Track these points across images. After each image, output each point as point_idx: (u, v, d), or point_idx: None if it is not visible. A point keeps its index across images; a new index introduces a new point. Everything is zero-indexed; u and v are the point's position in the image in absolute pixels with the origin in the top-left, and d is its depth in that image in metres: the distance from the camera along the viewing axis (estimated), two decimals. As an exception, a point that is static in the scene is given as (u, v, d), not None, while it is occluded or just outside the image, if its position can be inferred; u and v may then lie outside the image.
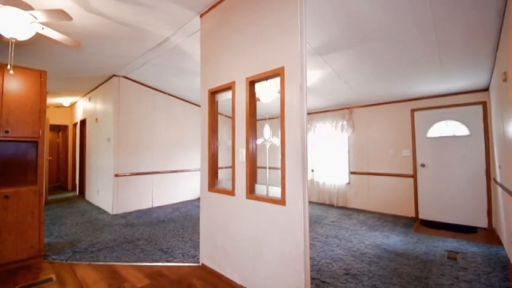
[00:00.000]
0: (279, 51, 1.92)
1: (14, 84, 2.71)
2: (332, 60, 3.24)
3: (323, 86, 4.12)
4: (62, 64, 3.89)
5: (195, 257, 2.79)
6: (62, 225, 4.07)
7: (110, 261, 2.74)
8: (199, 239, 3.20)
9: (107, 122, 5.12)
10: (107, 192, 4.98)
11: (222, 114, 2.73)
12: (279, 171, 1.89)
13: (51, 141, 8.69)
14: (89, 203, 5.74)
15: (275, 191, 1.96)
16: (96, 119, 5.64)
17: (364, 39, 2.67)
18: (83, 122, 6.58)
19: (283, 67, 1.88)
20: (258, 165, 2.28)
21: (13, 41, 2.07)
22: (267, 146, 2.05)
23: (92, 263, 2.72)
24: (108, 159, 4.97)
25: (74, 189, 7.32)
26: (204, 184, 2.65)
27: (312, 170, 5.80)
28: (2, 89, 2.63)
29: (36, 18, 1.95)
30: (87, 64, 4.03)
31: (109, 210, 4.83)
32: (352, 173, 5.26)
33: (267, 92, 2.16)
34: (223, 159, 2.61)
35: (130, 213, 4.80)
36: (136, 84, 5.13)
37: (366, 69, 3.40)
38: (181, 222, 4.19)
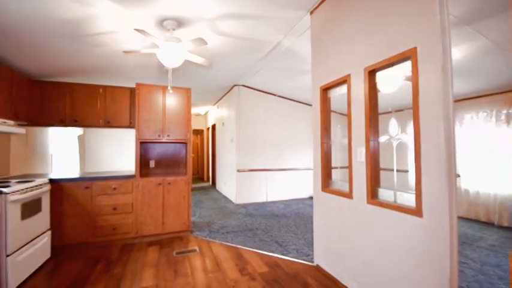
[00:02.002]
0: (407, 30, 1.60)
1: (171, 101, 3.62)
2: (487, 29, 2.40)
3: (473, 64, 3.14)
4: (199, 81, 4.87)
5: (309, 256, 2.79)
6: (201, 208, 5.12)
7: (236, 244, 3.18)
8: (312, 238, 3.18)
9: (230, 125, 6.02)
10: (231, 185, 5.85)
11: (334, 112, 2.59)
12: (408, 174, 1.58)
13: (193, 142, 11.15)
14: (218, 192, 6.94)
15: (405, 198, 1.66)
16: (223, 123, 6.73)
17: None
18: (214, 127, 8.02)
19: (415, 48, 1.55)
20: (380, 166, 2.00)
21: (171, 68, 2.77)
22: (394, 145, 1.76)
23: (223, 242, 3.25)
24: (231, 157, 5.83)
25: (208, 180, 9.07)
26: (317, 184, 2.60)
27: (458, 175, 4.49)
28: (165, 104, 3.58)
29: (184, 48, 2.52)
30: (216, 79, 4.87)
31: (233, 199, 5.66)
32: (524, 180, 3.74)
33: (390, 81, 1.85)
34: (337, 159, 2.47)
35: (249, 204, 5.42)
36: (252, 90, 5.73)
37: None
38: (293, 218, 4.33)
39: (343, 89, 2.26)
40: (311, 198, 5.94)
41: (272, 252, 2.93)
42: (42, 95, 3.29)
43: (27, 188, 2.41)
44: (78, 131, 3.71)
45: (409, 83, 1.62)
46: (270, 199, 5.79)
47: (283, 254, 2.87)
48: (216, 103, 7.55)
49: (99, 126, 3.56)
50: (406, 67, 1.67)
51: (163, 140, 3.55)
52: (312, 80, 2.70)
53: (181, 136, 3.65)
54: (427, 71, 1.49)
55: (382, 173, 1.92)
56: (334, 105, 2.53)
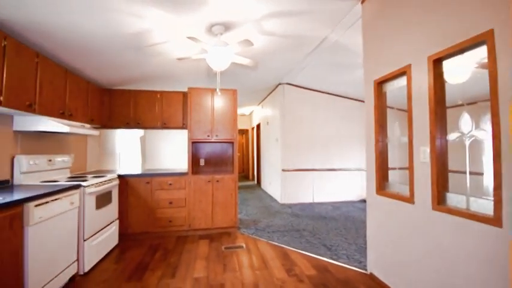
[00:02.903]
0: (481, 10, 1.36)
1: (219, 102, 3.77)
2: None
3: None
4: (244, 82, 4.97)
5: (361, 263, 2.61)
6: (247, 206, 5.23)
7: (282, 244, 3.15)
8: (364, 244, 2.97)
9: (275, 124, 6.01)
10: (276, 184, 5.85)
11: (391, 108, 2.36)
12: (483, 177, 1.34)
13: (239, 142, 11.48)
14: (264, 191, 7.01)
15: (480, 205, 1.41)
16: (267, 122, 6.77)
17: None
18: (258, 126, 8.13)
19: (491, 30, 1.31)
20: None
21: (219, 71, 2.89)
22: (467, 143, 1.51)
23: (269, 241, 3.26)
24: (276, 156, 5.82)
25: (253, 179, 9.24)
26: (370, 186, 2.41)
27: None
28: (213, 106, 3.75)
29: (231, 50, 2.60)
30: (260, 78, 4.91)
31: (278, 199, 5.64)
32: None
33: (459, 70, 1.60)
34: (394, 159, 2.25)
35: (294, 204, 5.33)
36: (297, 88, 5.61)
37: None
38: (342, 222, 4.10)
39: (401, 81, 2.04)
40: (363, 201, 5.56)
41: (320, 255, 2.83)
42: (111, 102, 3.77)
43: (100, 182, 2.78)
44: (139, 132, 4.15)
45: (484, 71, 1.37)
46: (317, 200, 5.61)
47: (332, 259, 2.73)
48: (260, 103, 7.64)
49: (157, 127, 3.93)
50: (479, 53, 1.42)
51: (212, 140, 3.74)
52: (364, 74, 2.51)
53: (229, 136, 3.79)
54: (506, 57, 1.24)
55: (449, 175, 1.67)
56: (390, 100, 2.31)
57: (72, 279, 2.31)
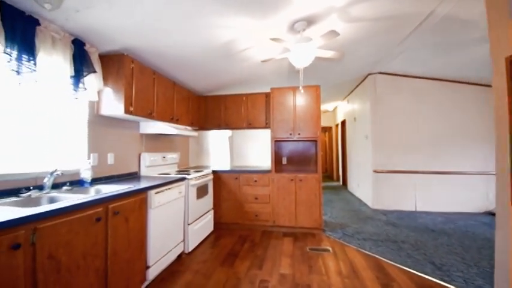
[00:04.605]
0: None
1: (301, 100, 3.71)
2: None
3: None
4: (327, 76, 4.71)
5: (488, 293, 2.03)
6: (332, 208, 4.95)
7: (375, 254, 2.81)
8: (490, 268, 2.32)
9: (364, 120, 5.44)
10: (366, 187, 5.28)
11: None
12: None
13: (321, 140, 11.04)
14: (351, 193, 6.47)
15: None
16: (354, 118, 6.21)
17: None
18: (343, 123, 7.57)
19: None
20: None
21: (301, 68, 2.83)
22: None
23: (359, 249, 2.97)
24: (366, 156, 5.25)
25: (338, 179, 8.69)
26: (502, 195, 1.82)
27: None
28: (295, 104, 3.72)
29: (315, 45, 2.50)
30: (345, 71, 4.54)
31: (369, 203, 5.08)
32: None
33: None
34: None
35: (390, 211, 4.67)
36: (393, 76, 4.90)
37: None
38: (458, 238, 3.31)
39: (559, 51, 1.45)
40: (489, 213, 4.35)
41: (426, 274, 2.36)
42: (206, 107, 4.31)
43: (199, 176, 3.22)
44: (228, 132, 4.57)
45: None
46: (420, 208, 4.73)
47: (443, 280, 2.24)
48: (345, 97, 7.09)
49: (243, 128, 4.23)
50: None
51: (294, 139, 3.72)
52: (491, 50, 1.93)
53: (311, 134, 3.68)
54: None
55: None
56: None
57: (179, 256, 2.76)
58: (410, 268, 2.48)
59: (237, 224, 3.74)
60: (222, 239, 3.36)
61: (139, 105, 2.57)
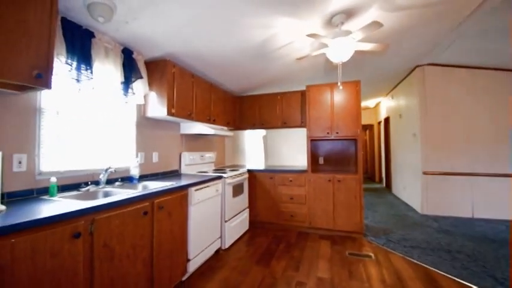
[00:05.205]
0: None
1: (339, 97, 3.55)
2: None
3: None
4: (368, 71, 4.41)
5: None
6: (374, 212, 4.63)
7: (424, 264, 2.55)
8: None
9: (411, 116, 4.99)
10: (414, 190, 4.84)
11: None
12: None
13: (362, 139, 10.41)
14: (395, 196, 5.99)
15: None
16: (400, 115, 5.72)
17: None
18: (387, 120, 7.04)
19: None
20: None
21: (340, 63, 2.70)
22: None
23: (405, 257, 2.73)
24: (413, 155, 4.81)
25: (380, 181, 8.12)
26: None
27: None
28: (333, 101, 3.57)
29: (354, 38, 2.36)
30: (389, 64, 4.21)
31: (417, 208, 4.64)
32: None
33: None
34: None
35: (442, 217, 4.21)
36: (445, 68, 4.40)
37: None
38: (529, 250, 2.84)
39: None
40: None
41: (487, 290, 2.07)
42: (241, 107, 4.37)
43: (235, 175, 3.28)
44: (262, 132, 4.58)
45: None
46: (478, 215, 4.18)
47: (511, 300, 1.94)
48: (389, 93, 6.58)
49: (277, 127, 4.19)
50: None
51: (332, 137, 3.57)
52: None
53: (351, 132, 3.49)
54: None
55: None
56: None
57: (217, 252, 2.85)
58: (466, 281, 2.19)
59: (272, 224, 3.73)
60: (257, 237, 3.38)
61: (180, 107, 2.72)
